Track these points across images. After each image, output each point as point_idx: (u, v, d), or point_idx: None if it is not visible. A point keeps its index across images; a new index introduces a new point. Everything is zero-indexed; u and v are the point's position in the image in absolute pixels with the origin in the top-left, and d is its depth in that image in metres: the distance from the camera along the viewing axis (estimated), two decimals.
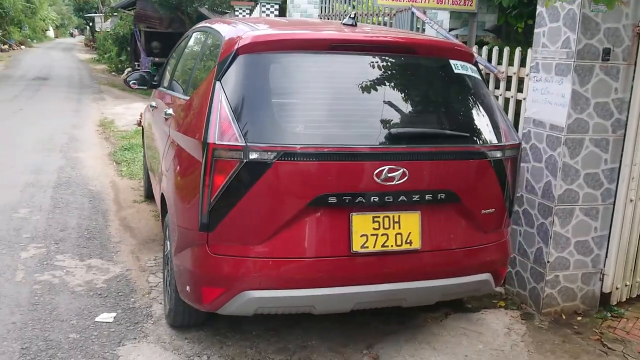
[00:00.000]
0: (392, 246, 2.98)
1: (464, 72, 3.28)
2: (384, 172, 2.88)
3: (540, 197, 3.94)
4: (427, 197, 3.00)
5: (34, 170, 7.32)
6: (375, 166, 2.88)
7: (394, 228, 2.99)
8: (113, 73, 23.89)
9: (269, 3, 12.53)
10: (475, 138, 3.15)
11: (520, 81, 4.31)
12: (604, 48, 3.67)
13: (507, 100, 4.45)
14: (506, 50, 4.38)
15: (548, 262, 3.89)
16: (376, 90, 3.08)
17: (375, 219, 2.96)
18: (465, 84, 3.28)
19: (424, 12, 4.58)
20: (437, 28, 4.65)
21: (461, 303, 4.07)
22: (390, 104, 3.06)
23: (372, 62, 3.11)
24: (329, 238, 2.93)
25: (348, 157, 2.86)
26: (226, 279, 2.91)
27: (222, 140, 2.79)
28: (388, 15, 6.95)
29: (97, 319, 3.64)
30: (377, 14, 7.67)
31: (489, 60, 4.54)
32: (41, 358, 3.19)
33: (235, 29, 3.36)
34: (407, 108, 3.10)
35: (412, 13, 4.61)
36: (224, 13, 16.52)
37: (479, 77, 3.37)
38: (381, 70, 3.12)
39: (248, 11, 14.22)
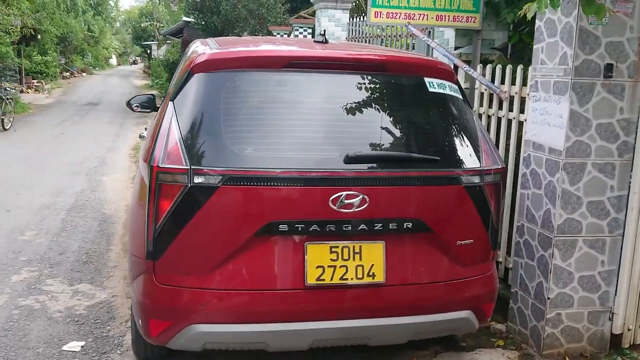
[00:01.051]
0: (352, 279, 2.74)
1: (441, 90, 3.03)
2: (340, 199, 2.65)
3: (540, 226, 3.60)
4: (391, 226, 2.75)
5: (54, 192, 7.41)
6: (331, 192, 2.65)
7: (354, 259, 2.74)
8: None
9: (301, 27, 12.51)
10: (447, 162, 2.88)
11: (524, 101, 4.00)
12: (606, 64, 3.34)
13: (509, 122, 4.15)
14: (508, 68, 4.09)
15: (548, 298, 3.53)
16: (337, 110, 2.87)
17: (333, 249, 2.73)
18: (441, 103, 3.03)
19: (424, 30, 4.33)
20: (435, 46, 4.39)
21: (455, 341, 3.75)
22: (351, 125, 2.85)
23: (335, 80, 2.91)
24: (282, 269, 2.71)
25: (300, 182, 2.65)
26: (172, 311, 2.73)
27: (166, 163, 2.64)
28: (411, 36, 6.73)
29: (64, 348, 3.53)
30: (403, 36, 7.47)
31: (492, 79, 4.25)
32: None
33: (202, 47, 3.23)
34: (369, 129, 2.87)
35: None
36: (268, 34, 16.61)
37: (459, 96, 3.11)
38: (344, 88, 2.91)
39: (286, 35, 14.25)
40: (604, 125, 3.41)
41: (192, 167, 2.60)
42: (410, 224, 2.79)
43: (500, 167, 3.00)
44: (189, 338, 2.72)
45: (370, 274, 2.76)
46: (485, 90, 4.37)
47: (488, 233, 3.00)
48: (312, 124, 2.82)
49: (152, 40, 42.21)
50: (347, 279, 2.73)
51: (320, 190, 2.66)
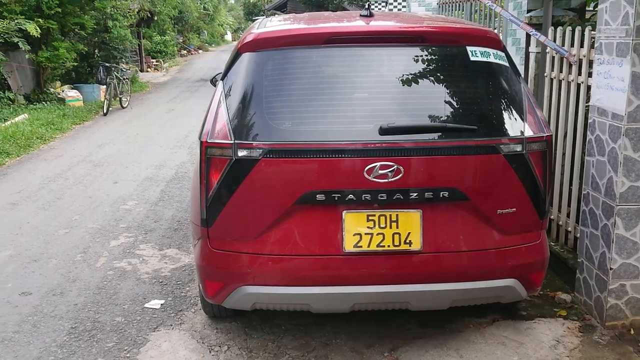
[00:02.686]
0: (388, 246, 2.85)
1: (484, 59, 3.00)
2: (375, 169, 2.76)
3: (604, 195, 3.48)
4: (427, 195, 2.81)
5: (157, 165, 8.02)
6: (366, 162, 2.76)
7: (391, 227, 2.85)
8: None
9: None
10: (486, 131, 2.87)
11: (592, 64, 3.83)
12: None
13: (579, 87, 3.99)
14: (577, 30, 3.91)
15: (611, 269, 3.43)
16: (375, 83, 2.95)
17: (370, 218, 2.84)
18: (484, 72, 3.01)
19: None
20: (500, 10, 4.26)
21: (515, 310, 3.74)
22: (389, 97, 2.92)
23: (373, 54, 2.98)
24: (321, 236, 2.87)
25: (335, 154, 2.78)
26: (224, 274, 2.98)
27: (214, 139, 2.87)
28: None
29: (146, 305, 3.93)
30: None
31: (563, 43, 4.09)
32: (83, 337, 3.53)
33: (254, 26, 3.41)
34: (407, 101, 2.92)
35: None
36: (364, 4, 16.60)
37: (505, 64, 3.06)
38: (383, 62, 2.98)
39: (384, 4, 14.16)
40: None
41: (236, 141, 2.81)
42: (447, 193, 2.83)
43: (545, 135, 2.95)
44: (239, 298, 2.97)
45: (407, 241, 2.85)
46: (557, 54, 4.21)
47: (533, 202, 2.97)
48: (350, 98, 2.92)
49: (262, 15, 43.17)
50: (384, 246, 2.84)
51: (355, 161, 2.78)
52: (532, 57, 4.64)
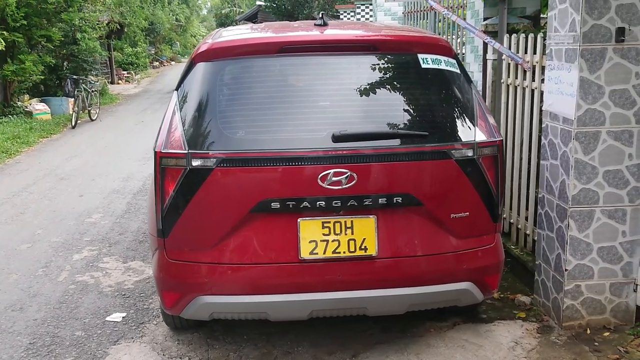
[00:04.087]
0: (344, 252, 2.87)
1: (435, 66, 3.05)
2: (329, 176, 2.78)
3: (557, 198, 3.55)
4: (380, 201, 2.85)
5: (125, 178, 7.96)
6: (319, 170, 2.79)
7: (346, 234, 2.87)
8: None
9: (363, 4, 12.50)
10: (437, 137, 2.92)
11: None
12: (617, 28, 3.23)
13: (533, 92, 4.07)
14: (530, 37, 4.00)
15: (566, 270, 3.49)
16: (327, 91, 2.98)
17: (325, 225, 2.87)
18: (435, 78, 3.06)
19: (441, 4, 4.27)
20: (455, 19, 4.34)
21: (475, 313, 3.79)
22: (341, 105, 2.95)
23: (325, 62, 3.01)
24: (277, 244, 2.88)
25: (289, 162, 2.80)
26: (181, 284, 2.98)
27: (167, 149, 2.87)
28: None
29: (107, 318, 3.89)
30: (462, 6, 7.32)
31: (517, 49, 4.17)
32: (41, 353, 3.48)
33: (210, 36, 3.42)
34: (359, 108, 2.96)
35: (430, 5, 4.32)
36: (335, 14, 16.66)
37: (456, 70, 3.12)
38: (335, 70, 3.01)
39: (352, 13, 14.29)
40: (618, 92, 3.30)
41: (190, 151, 2.81)
42: (400, 199, 2.87)
43: (497, 139, 3.00)
44: (197, 308, 2.96)
45: (363, 247, 2.87)
46: (512, 61, 4.30)
47: (486, 206, 3.02)
48: (303, 106, 2.95)
49: (234, 26, 43.18)
50: (339, 253, 2.86)
51: (309, 169, 2.80)
52: (489, 64, 4.72)
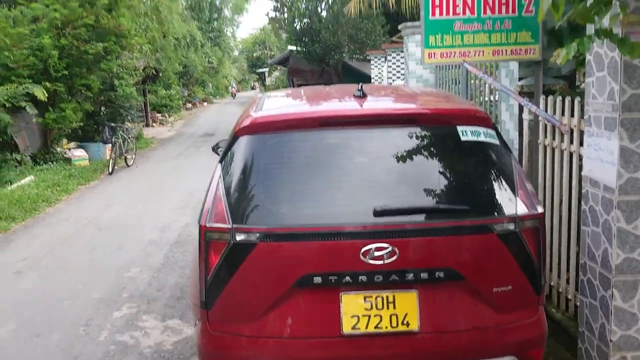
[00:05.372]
0: (386, 327, 2.86)
1: (474, 138, 3.08)
2: (371, 251, 2.80)
3: (600, 266, 3.50)
4: (422, 275, 2.85)
5: (161, 228, 8.09)
6: (362, 245, 2.81)
7: (388, 308, 2.87)
8: None
9: (394, 51, 12.65)
10: (478, 210, 2.93)
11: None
12: None
13: (571, 155, 4.06)
14: (567, 101, 4.01)
15: (611, 341, 3.42)
16: (368, 165, 3.02)
17: (367, 299, 2.87)
18: (474, 151, 3.08)
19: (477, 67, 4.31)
20: (492, 82, 4.38)
21: None
22: (382, 178, 2.98)
23: (365, 136, 3.06)
24: (319, 318, 2.90)
25: (331, 237, 2.83)
26: (223, 355, 3.00)
27: (212, 222, 2.93)
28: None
29: None
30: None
31: (554, 111, 4.19)
32: None
33: (252, 108, 3.51)
34: (400, 182, 2.99)
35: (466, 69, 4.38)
36: (366, 59, 16.88)
37: (495, 141, 3.14)
38: (375, 143, 3.05)
39: (383, 59, 14.47)
40: None
41: (234, 225, 2.87)
42: (442, 273, 2.87)
43: (538, 212, 2.99)
44: None
45: (405, 322, 2.86)
46: (542, 120, 4.31)
47: (529, 279, 2.99)
48: (344, 179, 2.99)
49: (265, 67, 44.03)
50: (381, 328, 2.86)
51: (351, 244, 2.82)
52: (525, 123, 4.74)
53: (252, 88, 79.15)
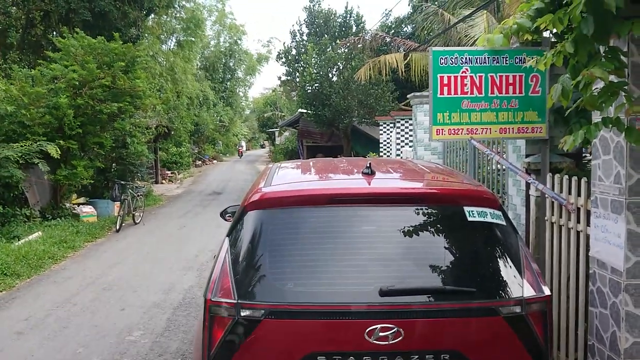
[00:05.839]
0: None
1: (481, 219, 3.11)
2: (375, 331, 2.79)
3: (609, 349, 3.45)
4: (427, 357, 2.82)
5: (165, 290, 8.04)
6: (366, 325, 2.80)
7: None
8: None
9: (403, 119, 12.85)
10: (485, 292, 2.92)
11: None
12: None
13: (578, 234, 4.07)
14: (573, 180, 4.05)
15: None
16: (374, 244, 3.04)
17: None
18: (481, 232, 3.10)
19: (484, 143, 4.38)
20: (499, 159, 4.44)
21: None
22: (387, 258, 2.99)
23: (373, 214, 3.10)
24: None
25: (336, 316, 2.82)
26: None
27: (217, 297, 2.93)
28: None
29: None
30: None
31: (560, 189, 4.22)
32: None
33: (261, 181, 3.57)
34: (406, 262, 3.00)
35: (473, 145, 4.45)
36: (375, 123, 17.10)
37: (502, 222, 3.16)
38: (382, 222, 3.09)
39: (392, 125, 14.68)
40: None
41: (240, 301, 2.87)
42: (448, 356, 2.83)
43: (545, 295, 2.98)
44: None
45: None
46: (549, 198, 4.33)
47: None
48: (351, 258, 3.00)
49: (275, 127, 44.67)
50: None
51: (356, 323, 2.81)
52: (532, 199, 4.76)
53: (262, 146, 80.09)
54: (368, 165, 3.41)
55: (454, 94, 4.37)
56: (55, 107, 12.78)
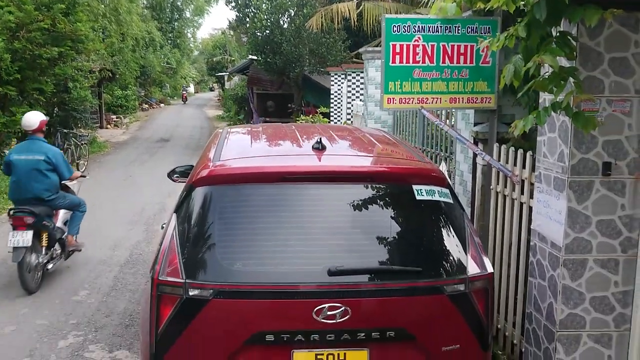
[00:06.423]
0: None
1: (429, 197, 3.14)
2: (324, 310, 2.82)
3: (545, 318, 3.62)
4: (374, 335, 2.88)
5: (111, 246, 7.93)
6: (315, 304, 2.82)
7: None
8: None
9: (354, 71, 12.76)
10: (430, 271, 2.98)
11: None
12: (604, 162, 3.36)
13: (522, 205, 4.18)
14: (519, 153, 4.13)
15: None
16: (323, 222, 3.04)
17: (319, 357, 2.89)
18: (428, 210, 3.15)
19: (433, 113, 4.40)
20: (447, 129, 4.48)
21: None
22: (337, 237, 3.01)
23: (323, 192, 3.09)
24: None
25: (285, 296, 2.84)
26: None
27: (165, 276, 2.90)
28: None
29: None
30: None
31: (507, 160, 4.31)
32: None
33: (210, 154, 3.49)
34: (354, 242, 3.02)
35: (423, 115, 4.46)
36: (327, 73, 16.87)
37: (449, 201, 3.21)
38: (331, 200, 3.08)
39: (343, 75, 14.55)
40: (604, 222, 3.41)
41: (187, 280, 2.84)
42: (393, 333, 2.91)
43: (487, 273, 3.07)
44: None
45: None
46: (495, 170, 4.42)
47: (477, 337, 3.06)
48: (300, 238, 3.00)
49: (225, 71, 43.66)
50: None
51: (304, 303, 2.84)
52: (479, 168, 4.85)
53: (211, 89, 78.36)
54: (319, 140, 3.37)
55: (406, 63, 4.34)
56: None
